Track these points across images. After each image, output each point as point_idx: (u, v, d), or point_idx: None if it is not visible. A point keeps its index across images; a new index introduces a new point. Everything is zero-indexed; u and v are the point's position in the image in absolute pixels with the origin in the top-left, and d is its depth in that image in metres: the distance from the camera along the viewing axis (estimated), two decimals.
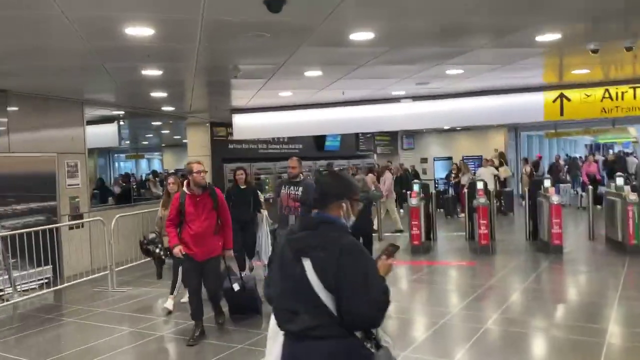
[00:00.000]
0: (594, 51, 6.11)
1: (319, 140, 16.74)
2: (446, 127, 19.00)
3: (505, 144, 19.24)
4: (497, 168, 15.29)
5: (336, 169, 12.24)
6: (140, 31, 4.72)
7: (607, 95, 9.69)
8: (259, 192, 7.80)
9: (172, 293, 6.26)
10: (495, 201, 11.25)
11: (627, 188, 8.78)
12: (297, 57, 6.19)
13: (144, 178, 16.53)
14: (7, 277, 7.02)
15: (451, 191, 14.79)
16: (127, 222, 8.85)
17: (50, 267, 7.81)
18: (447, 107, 10.09)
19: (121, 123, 12.06)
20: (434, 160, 20.24)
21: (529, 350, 4.82)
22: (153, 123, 13.51)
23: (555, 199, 8.77)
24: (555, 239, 8.67)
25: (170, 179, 6.64)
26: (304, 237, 2.10)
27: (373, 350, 2.04)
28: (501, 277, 7.55)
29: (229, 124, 11.38)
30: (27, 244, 7.22)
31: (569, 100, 9.90)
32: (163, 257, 6.41)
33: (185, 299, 5.90)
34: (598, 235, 9.79)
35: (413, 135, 21.10)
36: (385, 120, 10.53)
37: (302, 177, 6.06)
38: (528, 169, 15.65)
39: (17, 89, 7.56)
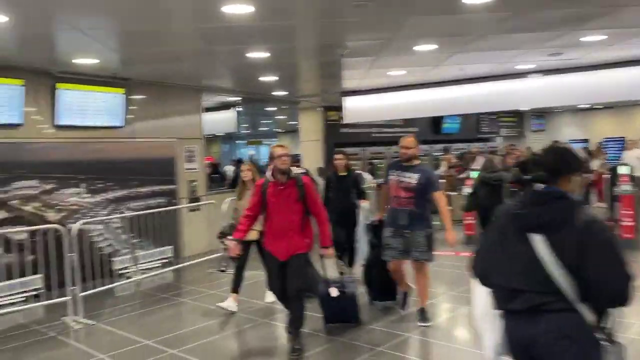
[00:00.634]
0: None
1: (436, 122, 15.91)
2: (582, 106, 17.07)
3: None
4: None
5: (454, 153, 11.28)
6: (239, 9, 4.57)
7: None
8: (362, 180, 6.92)
9: (234, 291, 5.60)
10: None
11: None
12: (406, 29, 5.68)
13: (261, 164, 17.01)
14: (131, 256, 7.48)
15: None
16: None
17: (171, 247, 8.22)
18: (583, 81, 8.87)
19: (239, 109, 12.41)
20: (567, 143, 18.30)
21: None
22: (268, 109, 13.73)
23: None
24: None
25: (244, 166, 5.97)
26: (535, 213, 2.01)
27: (605, 343, 1.93)
28: None
29: (341, 108, 11.14)
30: (149, 225, 7.64)
31: None
32: None
33: (270, 298, 5.51)
34: None
35: (543, 115, 19.28)
36: (509, 98, 9.57)
37: (417, 162, 4.87)
38: None
39: (139, 77, 7.95)
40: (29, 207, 6.81)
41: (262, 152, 21.94)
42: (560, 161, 2.12)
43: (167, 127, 8.68)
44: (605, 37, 6.53)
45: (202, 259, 7.98)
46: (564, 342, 1.92)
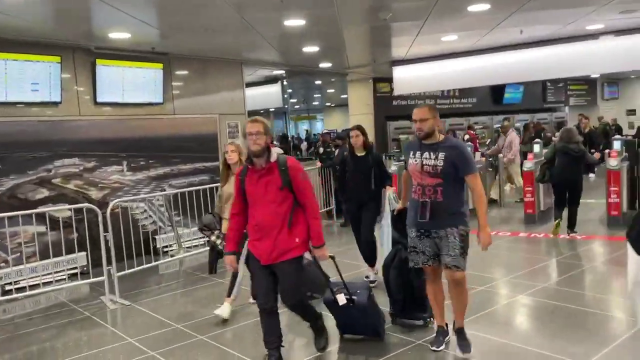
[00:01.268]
0: None
1: (497, 91, 14.99)
2: None
3: None
4: None
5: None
6: None
7: None
8: (385, 160, 5.84)
9: (228, 295, 4.80)
10: None
11: None
12: None
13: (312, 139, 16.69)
14: (174, 234, 7.40)
15: None
16: None
17: None
18: None
19: (284, 83, 12.09)
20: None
21: None
22: (316, 82, 13.34)
23: None
24: None
25: (229, 147, 4.76)
26: None
27: None
28: None
29: (392, 79, 10.56)
30: (192, 203, 7.52)
31: None
32: (220, 247, 4.84)
33: (221, 311, 4.74)
34: None
35: (617, 82, 17.75)
36: (576, 63, 8.67)
37: (442, 137, 3.66)
38: None
39: (178, 51, 7.76)
40: (70, 186, 6.84)
41: (317, 127, 21.62)
42: None
43: (209, 103, 8.48)
44: None
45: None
46: None
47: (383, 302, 4.34)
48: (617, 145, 8.13)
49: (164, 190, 7.60)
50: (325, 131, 15.26)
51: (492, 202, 9.53)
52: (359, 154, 5.31)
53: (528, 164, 8.22)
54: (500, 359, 3.67)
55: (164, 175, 7.86)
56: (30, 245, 6.01)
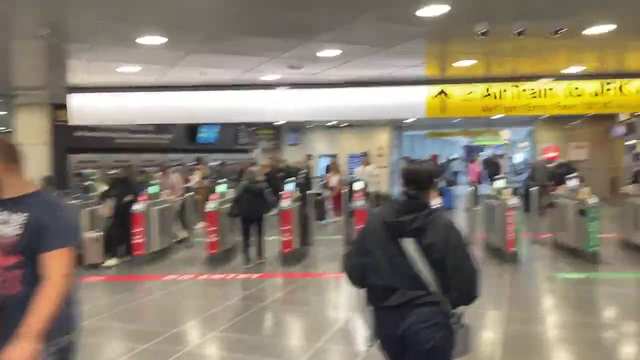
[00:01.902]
0: (484, 33, 5.29)
1: (192, 130, 15.06)
2: (330, 123, 18.25)
3: (389, 143, 18.95)
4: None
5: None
6: None
7: (488, 92, 9.30)
8: None
9: None
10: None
11: (508, 191, 8.31)
12: (117, 9, 4.64)
13: None
14: None
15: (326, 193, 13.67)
16: None
17: None
18: (324, 98, 9.08)
19: None
20: (319, 157, 19.40)
21: None
22: None
23: (436, 202, 8.05)
24: None
25: None
26: (407, 221, 2.33)
27: (456, 326, 2.35)
28: None
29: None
30: None
31: (450, 96, 9.38)
32: None
33: None
34: (476, 239, 9.27)
35: (299, 130, 20.09)
36: (256, 110, 9.23)
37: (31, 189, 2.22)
38: None
39: None
40: None
41: None
42: (423, 175, 2.45)
43: None
44: (339, 51, 6.53)
45: None
46: (431, 329, 2.29)
47: None
48: (289, 187, 8.89)
49: None
50: None
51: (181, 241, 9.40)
52: None
53: (211, 204, 8.23)
54: None
55: None
56: None
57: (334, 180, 11.86)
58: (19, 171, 2.23)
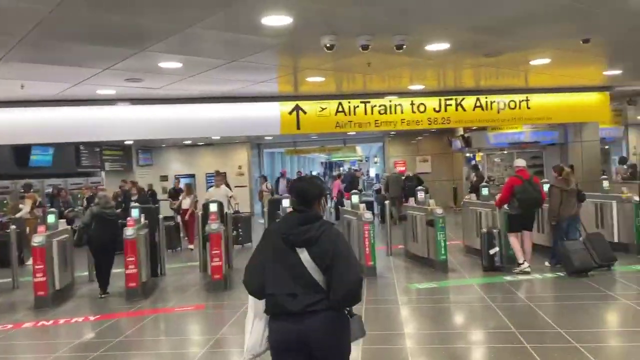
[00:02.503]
0: (329, 47, 5.17)
1: (22, 153, 13.23)
2: (186, 142, 17.40)
3: (249, 161, 18.60)
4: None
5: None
6: None
7: (340, 109, 9.43)
8: None
9: None
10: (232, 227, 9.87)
11: (363, 206, 8.38)
12: None
13: None
14: None
15: (178, 218, 12.67)
16: None
17: None
18: (172, 113, 8.44)
19: None
20: (175, 178, 18.28)
21: None
22: None
23: None
24: None
25: None
26: (300, 232, 2.53)
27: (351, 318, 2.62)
28: (236, 322, 6.03)
29: None
30: None
31: (305, 112, 9.34)
32: None
33: None
34: None
35: (151, 149, 18.83)
36: (95, 127, 8.29)
37: None
38: (269, 186, 15.03)
39: None
40: None
41: None
42: (310, 190, 2.64)
43: None
44: (180, 64, 6.02)
45: None
46: (328, 332, 2.52)
47: None
48: (134, 213, 8.02)
49: None
50: None
51: None
52: None
53: (38, 239, 7.06)
54: None
55: None
56: None
57: (186, 202, 11.08)
58: None
